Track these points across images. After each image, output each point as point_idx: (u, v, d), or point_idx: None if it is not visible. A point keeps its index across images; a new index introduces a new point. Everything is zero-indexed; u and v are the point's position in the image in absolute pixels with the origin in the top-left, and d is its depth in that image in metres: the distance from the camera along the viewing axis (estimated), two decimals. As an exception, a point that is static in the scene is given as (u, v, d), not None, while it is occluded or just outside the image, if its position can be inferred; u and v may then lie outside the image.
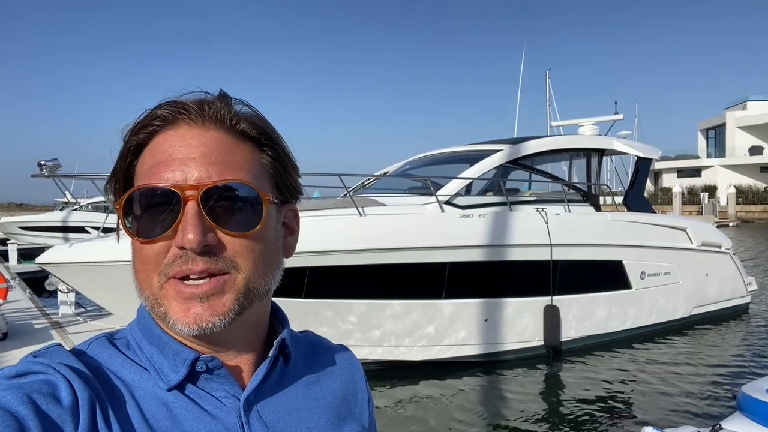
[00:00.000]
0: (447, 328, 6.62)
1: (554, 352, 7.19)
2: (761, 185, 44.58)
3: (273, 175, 0.64)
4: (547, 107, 35.80)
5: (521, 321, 7.00)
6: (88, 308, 8.54)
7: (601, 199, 8.83)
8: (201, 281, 0.57)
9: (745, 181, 45.07)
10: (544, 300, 7.08)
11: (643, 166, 9.38)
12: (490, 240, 6.63)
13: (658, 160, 11.21)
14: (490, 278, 6.79)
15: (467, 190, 7.47)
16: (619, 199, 9.38)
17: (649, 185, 36.51)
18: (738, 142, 48.30)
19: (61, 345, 0.59)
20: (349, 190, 6.45)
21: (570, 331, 7.32)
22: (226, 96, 0.63)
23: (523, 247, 6.86)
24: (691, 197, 44.19)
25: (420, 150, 9.73)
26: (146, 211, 0.58)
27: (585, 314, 7.48)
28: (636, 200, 9.08)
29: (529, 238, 6.89)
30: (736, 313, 9.66)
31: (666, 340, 8.01)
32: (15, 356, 6.04)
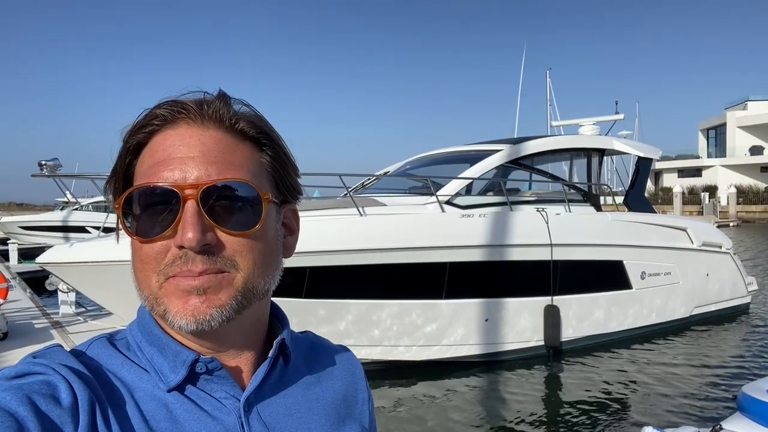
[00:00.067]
0: (447, 328, 6.62)
1: (554, 352, 7.18)
2: (762, 185, 44.56)
3: (272, 174, 0.64)
4: (548, 107, 35.81)
5: (521, 321, 7.00)
6: (89, 308, 8.54)
7: (602, 199, 8.83)
8: (199, 276, 0.57)
9: (746, 181, 45.05)
10: (544, 300, 7.08)
11: (643, 166, 9.38)
12: (490, 240, 6.63)
13: (658, 160, 11.21)
14: (490, 278, 6.78)
15: (467, 190, 7.47)
16: (619, 199, 9.38)
17: (649, 185, 36.51)
18: (738, 142, 48.28)
19: (60, 346, 0.59)
20: (349, 190, 6.45)
21: (570, 331, 7.31)
22: (225, 96, 0.64)
23: (524, 247, 6.86)
24: (691, 197, 44.18)
25: (420, 150, 9.75)
26: (145, 210, 0.58)
27: (585, 314, 7.48)
28: (636, 200, 9.08)
29: (529, 238, 6.89)
30: (737, 313, 9.65)
31: (666, 340, 8.01)
32: (15, 356, 6.04)
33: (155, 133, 0.61)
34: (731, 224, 36.47)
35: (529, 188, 8.49)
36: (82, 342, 0.62)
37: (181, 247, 0.56)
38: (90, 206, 19.54)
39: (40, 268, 5.84)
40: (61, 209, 22.10)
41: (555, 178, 8.52)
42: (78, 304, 8.55)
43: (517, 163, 7.86)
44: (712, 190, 45.11)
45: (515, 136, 10.15)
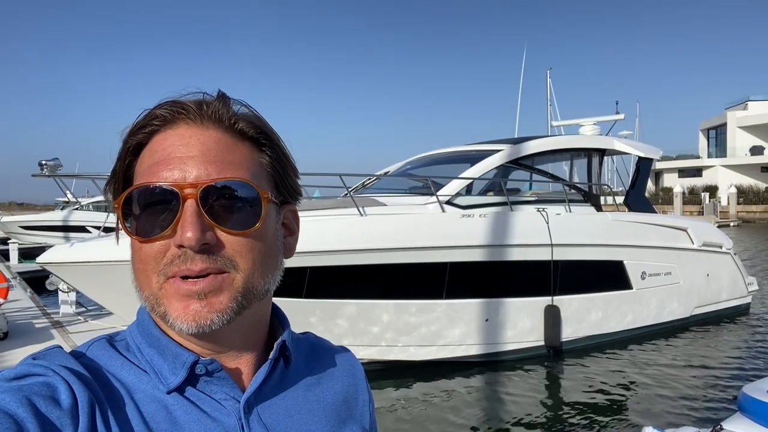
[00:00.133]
0: (447, 327, 6.61)
1: (555, 352, 7.19)
2: (762, 185, 44.52)
3: (272, 175, 0.64)
4: (548, 107, 35.78)
5: (522, 321, 7.00)
6: (89, 308, 8.55)
7: (602, 199, 8.82)
8: (200, 279, 0.57)
9: (746, 181, 45.01)
10: (544, 300, 7.08)
11: (644, 166, 9.38)
12: (490, 240, 6.63)
13: (659, 160, 11.21)
14: (490, 278, 6.78)
15: (468, 190, 7.47)
16: (620, 199, 9.38)
17: (650, 185, 36.47)
18: (739, 142, 48.25)
19: (60, 347, 0.59)
20: (349, 189, 6.45)
21: (570, 331, 7.31)
22: (224, 96, 0.64)
23: (524, 247, 6.85)
24: (692, 197, 44.15)
25: (420, 150, 9.75)
26: (145, 210, 0.58)
27: (585, 314, 7.48)
28: (637, 200, 9.08)
29: (529, 238, 6.89)
30: (737, 313, 9.65)
31: (667, 341, 8.01)
32: (16, 355, 6.04)
33: (155, 134, 0.61)
34: (732, 224, 36.46)
35: (530, 188, 8.49)
36: (82, 342, 0.62)
37: (180, 247, 0.56)
38: (90, 206, 19.56)
39: (41, 268, 5.85)
40: (62, 209, 22.11)
41: (555, 178, 8.52)
42: (78, 304, 8.56)
43: (518, 163, 7.86)
44: (712, 190, 45.08)
45: (516, 136, 10.15)
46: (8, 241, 17.53)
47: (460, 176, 7.16)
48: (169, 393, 0.59)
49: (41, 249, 8.62)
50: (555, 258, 6.99)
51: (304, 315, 5.92)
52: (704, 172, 49.10)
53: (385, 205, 6.58)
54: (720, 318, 9.21)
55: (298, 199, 0.69)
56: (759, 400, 3.45)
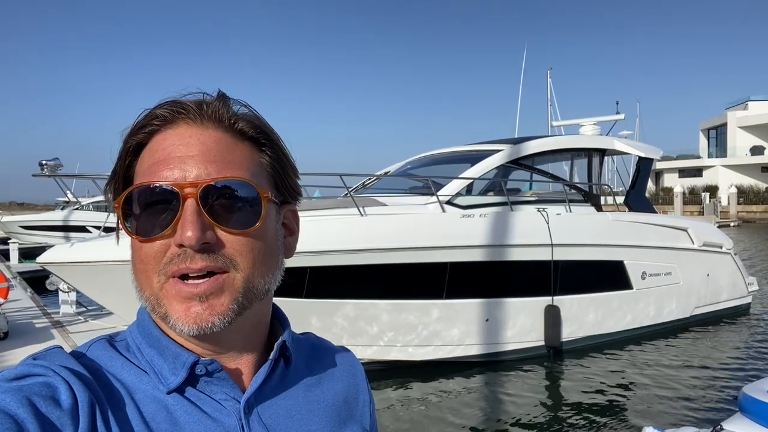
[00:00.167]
0: (448, 327, 6.61)
1: (555, 352, 7.19)
2: (762, 185, 44.52)
3: (272, 174, 0.64)
4: (548, 107, 35.79)
5: (522, 321, 7.00)
6: (89, 307, 8.56)
7: (602, 199, 8.83)
8: (200, 281, 0.57)
9: (747, 181, 45.01)
10: (545, 300, 7.08)
11: (644, 166, 9.38)
12: (491, 240, 6.63)
13: (659, 160, 11.20)
14: (490, 278, 6.78)
15: (468, 190, 7.47)
16: (620, 199, 9.38)
17: (650, 185, 36.50)
18: (739, 142, 48.25)
19: (60, 347, 0.59)
20: (349, 189, 6.45)
21: (571, 331, 7.32)
22: (224, 96, 0.64)
23: (524, 247, 6.86)
24: (692, 197, 44.15)
25: (420, 150, 9.75)
26: (145, 209, 0.58)
27: (586, 314, 7.48)
28: (637, 200, 9.08)
29: (530, 238, 6.89)
30: (738, 313, 9.65)
31: (667, 341, 8.01)
32: (16, 355, 6.05)
33: (155, 134, 0.61)
34: (732, 224, 36.46)
35: (530, 188, 8.49)
36: (82, 342, 0.62)
37: (180, 246, 0.56)
38: (90, 206, 19.57)
39: (41, 268, 5.85)
40: (62, 209, 22.12)
41: (556, 178, 8.52)
42: (78, 304, 8.57)
43: (518, 163, 7.86)
44: (712, 190, 45.07)
45: (516, 136, 10.14)
46: (8, 241, 17.55)
47: (461, 176, 7.16)
48: (169, 393, 0.59)
49: (41, 249, 8.63)
50: (555, 258, 6.99)
51: (305, 315, 5.92)
52: (704, 172, 49.09)
53: (386, 205, 6.58)
54: (720, 318, 9.21)
55: (298, 199, 0.69)
56: (759, 401, 3.45)
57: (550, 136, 9.40)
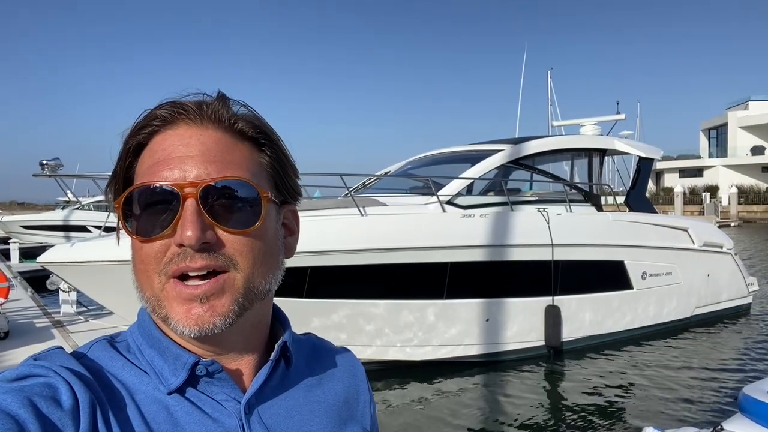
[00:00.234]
0: (448, 327, 6.61)
1: (555, 352, 7.19)
2: (763, 185, 44.51)
3: (272, 174, 0.65)
4: (549, 107, 35.74)
5: (522, 321, 7.00)
6: (90, 307, 8.56)
7: (603, 199, 8.82)
8: (201, 282, 0.57)
9: (747, 181, 45.00)
10: (545, 300, 7.08)
11: (644, 166, 9.38)
12: (491, 240, 6.63)
13: (659, 160, 11.18)
14: (491, 278, 6.78)
15: (468, 190, 7.47)
16: (620, 199, 9.38)
17: (650, 185, 36.47)
18: (740, 142, 48.24)
19: (61, 348, 0.59)
20: (350, 189, 6.45)
21: (571, 331, 7.31)
22: (224, 97, 0.64)
23: (525, 247, 6.85)
24: (692, 197, 44.13)
25: (420, 150, 9.75)
26: (145, 209, 0.58)
27: (586, 314, 7.48)
28: (637, 200, 9.08)
29: (530, 238, 6.89)
30: (738, 313, 9.65)
31: (667, 341, 8.00)
32: (16, 355, 6.05)
33: (155, 134, 0.61)
34: (732, 224, 36.45)
35: (530, 188, 8.49)
36: (83, 342, 0.63)
37: (181, 246, 0.56)
38: (91, 205, 19.55)
39: (42, 268, 5.85)
40: (62, 208, 22.13)
41: (556, 178, 8.52)
42: (79, 304, 8.57)
43: (518, 163, 7.86)
44: (713, 190, 45.06)
45: (516, 136, 10.14)
46: (9, 241, 17.55)
47: (461, 176, 7.16)
48: (169, 394, 0.59)
49: (42, 248, 8.64)
50: (555, 258, 6.99)
51: (305, 315, 5.92)
52: (705, 172, 49.08)
53: (386, 205, 6.58)
54: (720, 318, 9.20)
55: (298, 199, 0.70)
56: (759, 401, 3.45)
57: (551, 136, 9.40)
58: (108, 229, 6.85)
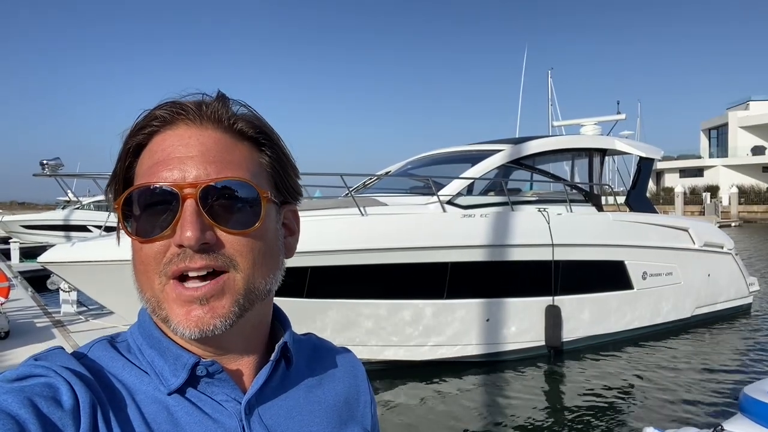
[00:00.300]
0: (448, 327, 6.61)
1: (555, 353, 7.18)
2: (763, 185, 44.48)
3: (272, 174, 0.64)
4: (549, 107, 35.74)
5: (523, 321, 7.00)
6: (90, 307, 8.57)
7: (603, 199, 8.82)
8: (201, 284, 0.57)
9: (748, 181, 44.97)
10: (545, 300, 7.08)
11: (645, 166, 9.38)
12: (491, 240, 6.63)
13: (660, 160, 11.18)
14: (491, 278, 6.78)
15: (469, 190, 7.47)
16: (621, 199, 9.38)
17: (651, 185, 36.42)
18: (740, 142, 48.21)
19: (62, 348, 0.59)
20: (350, 189, 6.45)
21: (571, 331, 7.31)
22: (224, 97, 0.64)
23: (525, 247, 6.85)
24: (693, 197, 44.11)
25: (420, 150, 9.74)
26: (145, 210, 0.58)
27: (586, 314, 7.47)
28: (638, 200, 9.08)
29: (530, 238, 6.89)
30: (738, 313, 9.64)
31: (668, 341, 8.00)
32: (17, 355, 6.05)
33: (154, 135, 0.61)
34: (733, 224, 36.44)
35: (531, 188, 8.49)
36: (83, 341, 0.63)
37: (180, 246, 0.56)
38: (91, 205, 19.56)
39: (42, 267, 5.85)
40: (63, 208, 22.14)
41: (556, 178, 8.51)
42: (79, 303, 8.57)
43: (519, 163, 7.86)
44: (713, 190, 45.02)
45: (517, 136, 10.14)
46: (9, 241, 17.55)
47: (461, 176, 7.16)
48: (170, 394, 0.59)
49: (42, 248, 8.65)
50: (556, 258, 6.99)
51: (305, 315, 5.92)
52: (705, 172, 49.05)
53: (386, 205, 6.58)
54: (721, 318, 9.20)
55: (298, 199, 0.69)
56: (760, 401, 3.44)
57: (551, 136, 9.40)
58: (108, 229, 6.85)
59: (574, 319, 7.33)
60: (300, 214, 0.71)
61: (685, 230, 8.70)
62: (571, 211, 7.67)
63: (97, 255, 5.33)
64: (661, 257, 8.20)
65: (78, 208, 19.52)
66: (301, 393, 0.68)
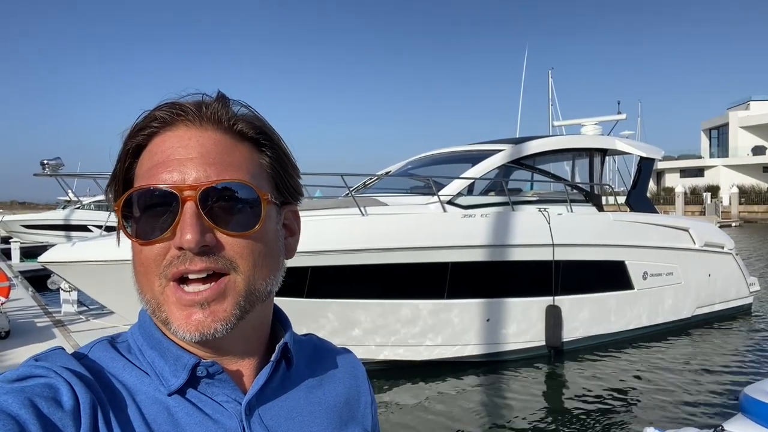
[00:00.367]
0: (449, 328, 6.61)
1: (556, 353, 7.18)
2: (764, 185, 44.44)
3: (272, 175, 0.64)
4: (550, 107, 35.65)
5: (523, 321, 7.00)
6: (91, 306, 8.57)
7: (604, 199, 8.82)
8: (202, 287, 0.57)
9: (748, 181, 44.93)
10: (546, 300, 7.08)
11: (645, 166, 9.38)
12: (492, 240, 6.63)
13: (660, 160, 11.18)
14: (492, 278, 6.78)
15: (469, 190, 7.47)
16: (621, 199, 9.38)
17: (651, 185, 36.45)
18: (741, 142, 48.17)
19: (62, 348, 0.59)
20: (351, 189, 6.45)
21: (572, 331, 7.31)
22: (224, 97, 0.63)
23: (526, 247, 6.85)
24: (693, 197, 44.08)
25: (420, 150, 9.74)
26: (145, 212, 0.58)
27: (587, 314, 7.47)
28: (638, 200, 9.07)
29: (531, 238, 6.88)
30: (739, 313, 9.64)
31: (668, 341, 8.00)
32: (17, 354, 6.05)
33: (154, 136, 0.60)
34: (733, 224, 36.41)
35: (531, 188, 8.49)
36: (84, 341, 0.63)
37: (180, 249, 0.56)
38: (92, 205, 19.56)
39: (42, 267, 5.86)
40: (63, 208, 22.13)
41: (557, 178, 8.51)
42: (80, 303, 8.58)
43: (519, 163, 7.86)
44: (714, 190, 44.98)
45: (517, 136, 10.13)
46: (10, 240, 17.54)
47: (462, 176, 7.16)
48: (170, 395, 0.59)
49: (43, 248, 8.64)
50: (556, 258, 6.98)
51: (306, 315, 5.92)
52: (706, 172, 49.01)
53: (387, 204, 6.58)
54: (721, 318, 9.19)
55: (299, 199, 0.69)
56: (760, 401, 3.44)
57: (552, 136, 9.40)
58: (109, 229, 6.85)
59: (575, 319, 7.33)
60: (300, 214, 0.71)
61: (686, 230, 8.70)
62: (572, 211, 7.67)
63: (97, 255, 5.33)
64: (662, 257, 8.20)
65: (78, 208, 19.52)
66: (301, 394, 0.68)
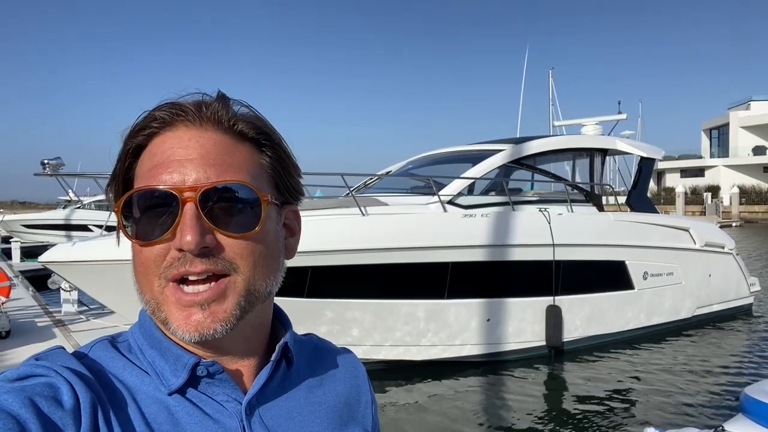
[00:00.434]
0: (449, 328, 6.61)
1: (556, 353, 7.18)
2: (764, 185, 44.41)
3: (273, 175, 0.64)
4: (550, 107, 35.65)
5: (523, 321, 7.00)
6: (91, 306, 8.58)
7: (604, 199, 8.82)
8: (201, 288, 0.57)
9: (749, 181, 44.90)
10: (546, 300, 7.08)
11: (646, 166, 9.37)
12: (492, 240, 6.63)
13: (661, 160, 11.18)
14: (492, 278, 6.78)
15: (470, 190, 7.47)
16: (622, 199, 9.37)
17: (652, 185, 36.38)
18: (741, 142, 48.13)
19: (63, 348, 0.59)
20: (351, 189, 6.45)
21: (572, 331, 7.31)
22: (224, 97, 0.63)
23: (526, 247, 6.85)
24: (694, 197, 44.04)
25: (420, 150, 9.75)
26: (145, 213, 0.58)
27: (587, 314, 7.47)
28: (639, 200, 9.07)
29: (531, 238, 6.88)
30: (739, 313, 9.63)
31: (668, 341, 8.00)
32: (18, 354, 6.05)
33: (154, 136, 0.60)
34: (734, 224, 36.38)
35: (532, 188, 8.49)
36: (84, 341, 0.63)
37: (180, 250, 0.56)
38: (92, 205, 19.57)
39: (43, 267, 5.86)
40: (64, 208, 22.12)
41: (557, 178, 8.51)
42: (80, 303, 8.58)
43: (520, 162, 7.86)
44: (714, 190, 44.93)
45: (517, 136, 10.14)
46: (10, 240, 17.54)
47: (462, 176, 7.16)
48: (170, 394, 0.59)
49: (43, 248, 8.65)
50: (557, 258, 6.98)
51: (306, 315, 5.92)
52: (706, 173, 48.98)
53: (387, 204, 6.58)
54: (722, 318, 9.19)
55: (299, 199, 0.69)
56: (761, 402, 3.44)
57: (552, 136, 9.40)
58: (109, 229, 6.85)
59: (575, 319, 7.33)
60: (301, 213, 0.71)
61: (686, 230, 8.70)
62: (572, 211, 7.66)
63: (97, 254, 5.34)
64: (662, 257, 8.20)
65: (79, 208, 19.53)
66: (301, 393, 0.68)
